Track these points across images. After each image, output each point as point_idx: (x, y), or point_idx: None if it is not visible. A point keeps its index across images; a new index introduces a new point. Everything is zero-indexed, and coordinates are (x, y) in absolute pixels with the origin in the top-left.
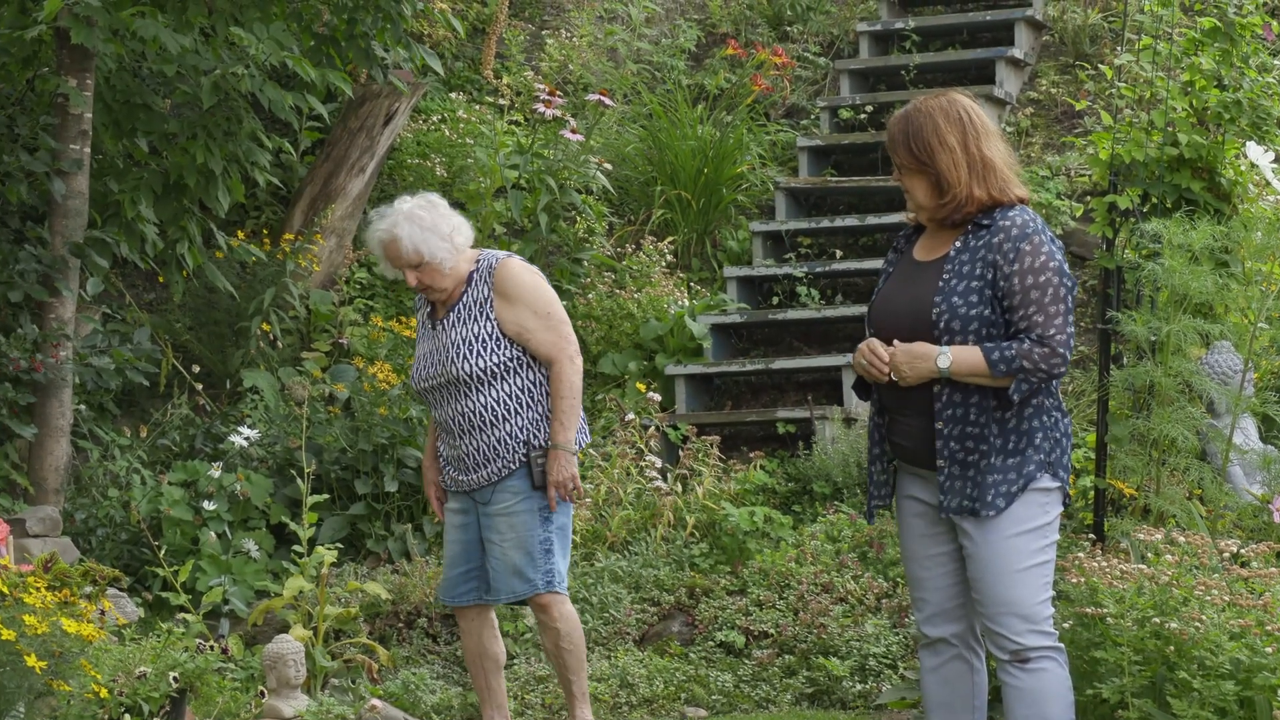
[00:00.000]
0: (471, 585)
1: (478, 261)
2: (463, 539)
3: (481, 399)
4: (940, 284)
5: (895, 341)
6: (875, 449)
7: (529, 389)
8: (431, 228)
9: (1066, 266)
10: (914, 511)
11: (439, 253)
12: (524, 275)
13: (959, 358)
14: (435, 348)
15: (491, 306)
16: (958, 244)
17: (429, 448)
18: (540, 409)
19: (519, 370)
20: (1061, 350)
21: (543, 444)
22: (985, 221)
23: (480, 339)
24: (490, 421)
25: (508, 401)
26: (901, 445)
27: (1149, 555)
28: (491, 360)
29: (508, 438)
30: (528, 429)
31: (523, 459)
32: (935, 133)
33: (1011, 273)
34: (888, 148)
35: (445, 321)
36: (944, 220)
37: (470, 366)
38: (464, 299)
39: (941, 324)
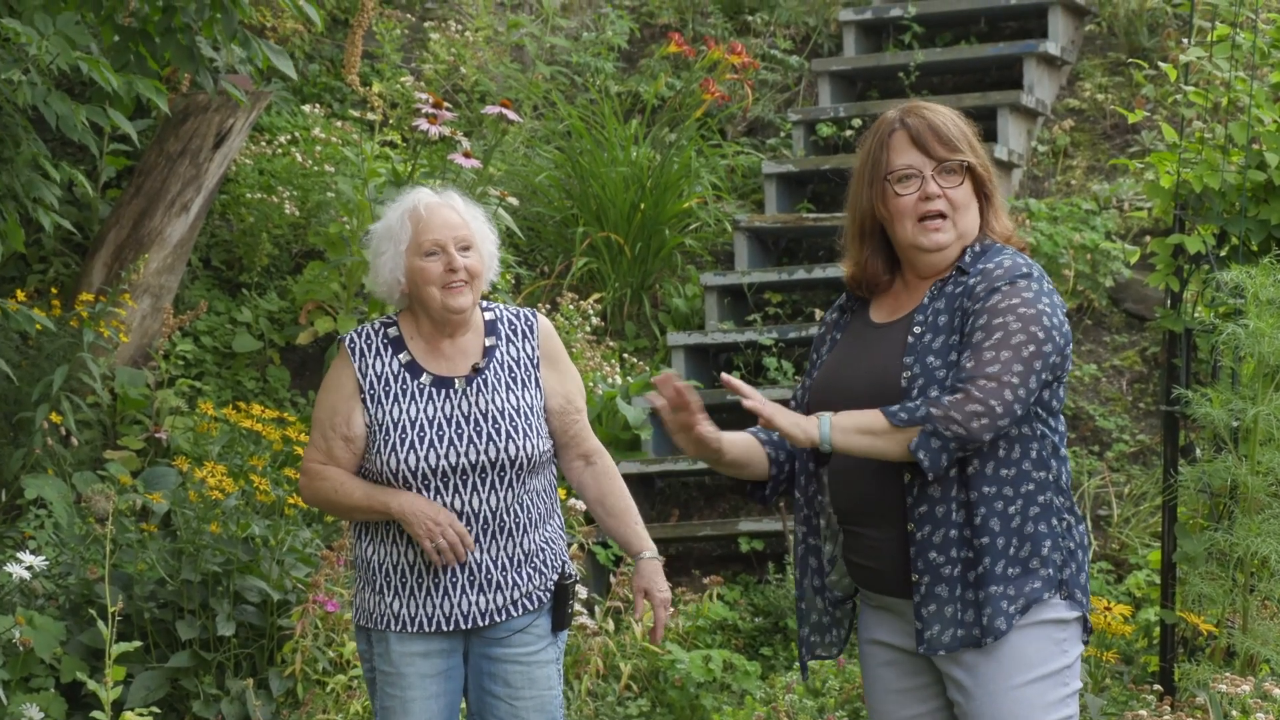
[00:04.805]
0: None
1: (493, 310)
2: (447, 689)
3: (526, 493)
4: (910, 341)
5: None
6: (815, 580)
7: (552, 488)
8: (488, 225)
9: (1055, 323)
10: (882, 660)
11: (489, 258)
12: (559, 340)
13: (844, 415)
14: (458, 417)
15: (539, 370)
16: (932, 291)
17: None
18: (559, 519)
19: (551, 461)
20: (980, 396)
21: (574, 572)
22: (969, 267)
23: (535, 412)
24: (526, 524)
25: (546, 497)
26: (864, 567)
27: (1234, 714)
28: (544, 442)
29: (544, 547)
30: (555, 543)
31: (551, 589)
32: (966, 128)
33: (972, 312)
34: (918, 138)
35: (478, 382)
36: (939, 270)
37: (532, 446)
38: (496, 354)
39: (914, 391)
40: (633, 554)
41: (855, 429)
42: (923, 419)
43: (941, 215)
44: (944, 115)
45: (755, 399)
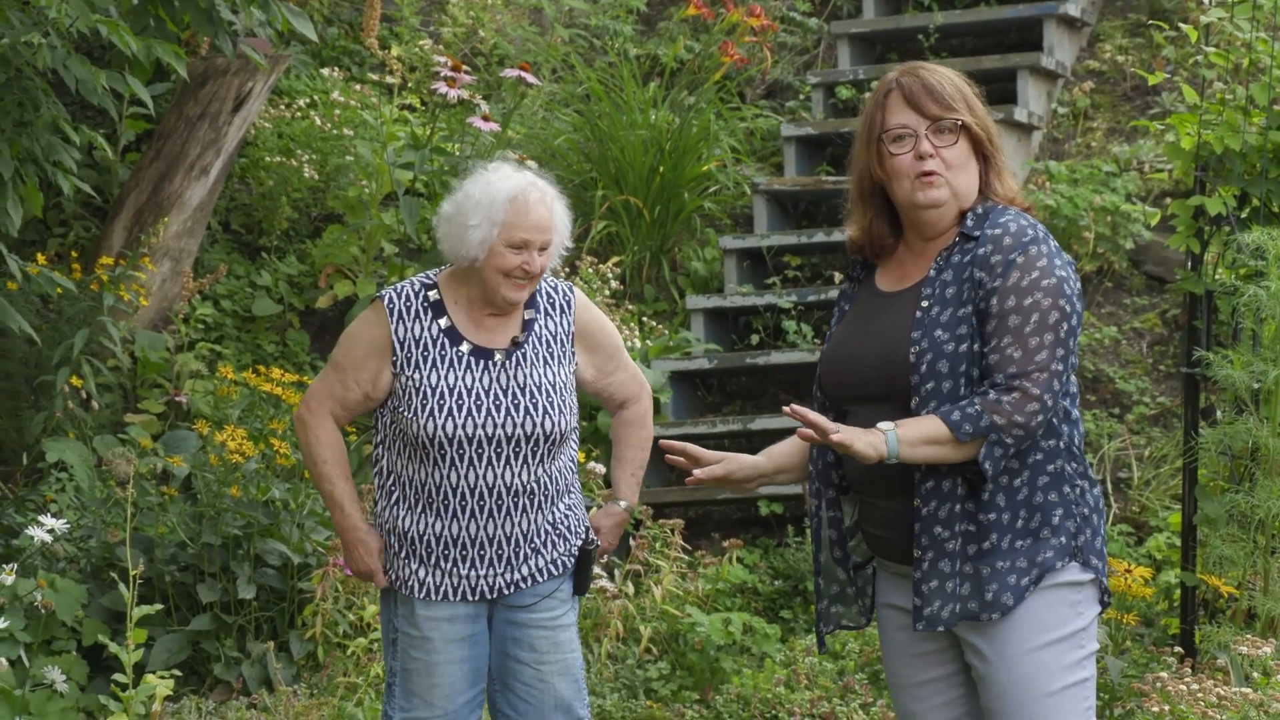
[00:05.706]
0: (478, 717)
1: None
2: (473, 655)
3: (555, 465)
4: (918, 314)
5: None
6: (836, 550)
7: (575, 458)
8: (567, 220)
9: (1074, 288)
10: (898, 624)
11: (556, 254)
12: (595, 308)
13: (907, 425)
14: (496, 389)
15: (574, 345)
16: (938, 262)
17: (358, 521)
18: (578, 485)
19: (575, 432)
20: (1038, 393)
21: (595, 536)
22: (974, 232)
23: (568, 388)
24: (555, 494)
25: (570, 468)
26: (878, 536)
27: (1255, 675)
28: (574, 417)
29: (568, 514)
30: (577, 509)
31: (574, 555)
32: (965, 88)
33: (993, 290)
34: (912, 97)
35: (517, 356)
36: (940, 230)
37: (565, 422)
38: (535, 328)
39: (923, 366)
40: (613, 497)
41: (921, 440)
42: (987, 429)
43: (935, 173)
44: (941, 75)
45: (823, 425)
